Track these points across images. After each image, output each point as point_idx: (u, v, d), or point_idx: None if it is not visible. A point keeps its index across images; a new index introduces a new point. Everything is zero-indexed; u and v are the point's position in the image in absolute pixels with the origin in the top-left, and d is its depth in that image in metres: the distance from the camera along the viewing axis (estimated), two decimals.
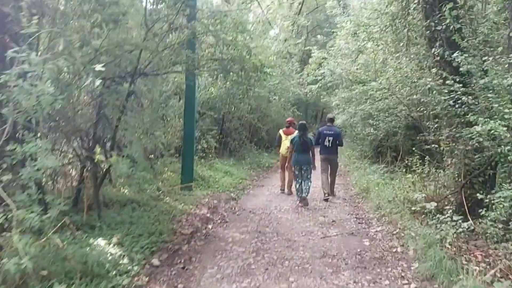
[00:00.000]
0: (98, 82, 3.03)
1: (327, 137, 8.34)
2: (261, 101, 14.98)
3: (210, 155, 11.32)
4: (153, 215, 5.79)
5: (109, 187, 7.00)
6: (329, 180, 8.45)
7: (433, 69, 5.15)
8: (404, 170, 9.92)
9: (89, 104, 6.36)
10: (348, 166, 13.57)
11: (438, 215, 5.05)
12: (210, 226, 6.05)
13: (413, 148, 7.56)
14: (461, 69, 4.76)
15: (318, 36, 25.73)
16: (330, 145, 8.35)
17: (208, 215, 6.64)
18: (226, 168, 10.61)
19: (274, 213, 6.89)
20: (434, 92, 5.13)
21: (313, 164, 7.85)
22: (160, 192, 7.41)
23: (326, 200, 7.95)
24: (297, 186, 7.74)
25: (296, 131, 8.45)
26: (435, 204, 4.90)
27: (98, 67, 3.11)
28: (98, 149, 4.02)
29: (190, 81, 7.98)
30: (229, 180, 9.60)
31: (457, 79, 4.87)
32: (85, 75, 3.39)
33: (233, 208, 7.30)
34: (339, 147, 8.67)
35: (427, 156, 6.89)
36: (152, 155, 8.17)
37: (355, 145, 16.19)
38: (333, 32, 16.42)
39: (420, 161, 6.77)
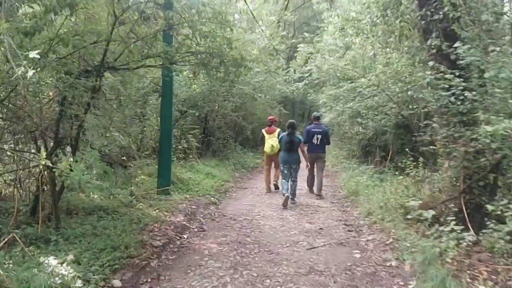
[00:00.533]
0: (31, 72, 2.44)
1: (315, 135, 8.35)
2: (245, 98, 14.41)
3: (191, 156, 10.72)
4: (121, 225, 5.19)
5: (76, 193, 6.39)
6: (316, 179, 8.45)
7: (430, 62, 4.66)
8: (394, 171, 9.52)
9: (53, 100, 5.77)
10: (335, 166, 13.11)
11: (436, 224, 4.60)
12: (185, 236, 5.49)
13: (406, 149, 7.07)
14: (461, 62, 4.29)
15: (306, 34, 25.26)
16: (318, 143, 8.38)
17: (184, 222, 6.06)
18: (208, 170, 10.03)
19: (257, 220, 6.35)
20: (430, 88, 4.64)
21: (306, 163, 8.04)
22: (134, 197, 6.80)
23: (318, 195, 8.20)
24: (285, 185, 7.57)
25: (279, 129, 8.68)
26: (433, 212, 4.42)
27: (33, 54, 2.52)
28: (43, 152, 3.44)
29: (167, 77, 7.38)
30: (211, 182, 9.03)
31: (456, 73, 4.40)
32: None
33: (212, 214, 6.74)
34: (326, 146, 8.73)
35: (421, 158, 6.42)
36: (125, 157, 7.55)
37: (343, 144, 15.77)
38: (321, 27, 15.96)
39: (414, 163, 6.28)
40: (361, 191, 7.65)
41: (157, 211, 6.45)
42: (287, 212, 6.84)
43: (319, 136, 8.35)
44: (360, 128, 10.51)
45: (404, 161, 9.37)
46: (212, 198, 7.79)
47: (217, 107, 13.18)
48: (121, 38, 5.45)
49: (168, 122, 7.75)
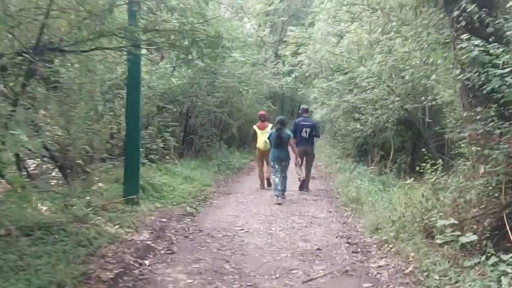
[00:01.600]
0: None
1: (304, 128, 8.30)
2: (231, 93, 13.22)
3: (168, 157, 9.50)
4: (62, 250, 4.00)
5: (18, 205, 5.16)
6: (305, 172, 8.44)
7: (463, 36, 3.54)
8: (397, 172, 8.46)
9: None
10: (329, 166, 12.02)
11: (466, 245, 3.51)
12: (147, 262, 4.30)
13: (423, 150, 5.99)
14: (508, 33, 3.18)
15: (294, 28, 24.16)
16: (307, 137, 8.30)
17: (149, 242, 4.88)
18: (187, 172, 8.83)
19: (240, 237, 5.19)
20: (477, 66, 3.49)
21: (297, 159, 8.02)
22: (91, 209, 5.58)
23: (301, 187, 8.29)
24: (277, 180, 7.49)
25: (271, 125, 8.50)
26: (475, 237, 3.32)
27: None
28: None
29: (133, 62, 6.18)
30: (189, 188, 7.84)
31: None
32: None
33: (186, 229, 5.55)
34: (316, 140, 8.81)
35: (440, 159, 5.35)
36: (81, 161, 6.34)
37: (336, 142, 14.72)
38: (312, 12, 14.74)
39: (428, 165, 5.18)
40: (363, 197, 6.55)
41: (117, 226, 5.25)
42: (276, 225, 5.69)
43: (308, 130, 8.26)
44: (358, 124, 9.40)
45: (406, 161, 8.36)
46: (188, 208, 6.60)
47: (199, 103, 11.97)
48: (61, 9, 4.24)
49: (135, 118, 6.53)
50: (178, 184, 7.81)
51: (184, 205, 6.74)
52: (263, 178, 8.90)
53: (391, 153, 9.07)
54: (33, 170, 7.25)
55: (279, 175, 7.47)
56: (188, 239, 5.13)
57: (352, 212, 6.31)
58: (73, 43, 4.72)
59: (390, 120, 8.46)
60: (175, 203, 6.73)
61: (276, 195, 7.35)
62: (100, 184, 6.23)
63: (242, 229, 5.49)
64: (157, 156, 8.59)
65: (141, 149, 8.60)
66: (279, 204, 7.08)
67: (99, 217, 5.44)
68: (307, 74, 12.10)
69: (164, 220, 5.79)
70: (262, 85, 16.45)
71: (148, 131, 9.21)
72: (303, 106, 9.33)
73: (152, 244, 4.82)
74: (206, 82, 10.58)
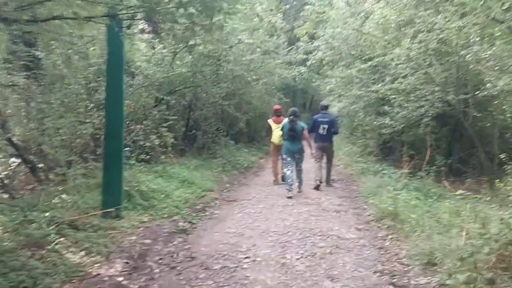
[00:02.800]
0: None
1: (321, 125, 8.02)
2: (238, 83, 11.89)
3: (163, 156, 8.23)
4: None
5: None
6: (325, 168, 8.22)
7: None
8: (435, 177, 7.08)
9: None
10: (350, 167, 10.62)
11: None
12: None
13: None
14: None
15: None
16: (325, 133, 8.02)
17: (121, 278, 3.61)
18: (185, 174, 7.55)
19: (244, 269, 3.87)
20: None
21: (311, 151, 7.74)
22: (54, 227, 4.34)
23: (317, 188, 7.75)
24: (288, 173, 7.29)
25: (286, 119, 7.77)
26: None
27: None
28: None
29: (114, 38, 4.90)
30: (186, 194, 6.56)
31: None
32: None
33: (174, 255, 4.25)
34: (335, 136, 8.49)
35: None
36: (43, 164, 5.11)
37: (355, 138, 13.29)
38: None
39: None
40: (401, 212, 5.18)
41: (83, 253, 4.00)
42: (292, 250, 4.37)
43: (325, 126, 7.97)
44: (388, 119, 7.97)
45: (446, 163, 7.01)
46: (181, 222, 5.31)
47: (204, 95, 10.65)
48: None
49: (117, 109, 5.25)
50: (173, 190, 6.54)
51: (177, 217, 5.46)
52: (277, 173, 8.60)
53: (428, 153, 7.65)
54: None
55: (290, 168, 7.33)
56: (174, 271, 3.84)
57: (389, 232, 4.94)
58: (15, 8, 3.43)
59: (429, 114, 7.03)
60: (166, 215, 5.46)
61: (287, 189, 7.18)
62: (64, 195, 4.92)
63: (247, 257, 4.17)
64: (148, 156, 7.29)
65: (131, 148, 7.38)
66: (290, 197, 6.97)
67: (63, 239, 4.21)
68: (324, 61, 10.68)
69: (148, 240, 4.52)
70: (273, 75, 15.07)
71: (142, 126, 7.97)
72: (322, 102, 8.86)
73: (124, 282, 3.54)
74: (209, 70, 9.21)
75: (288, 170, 7.31)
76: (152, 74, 8.86)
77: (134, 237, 4.53)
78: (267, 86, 14.96)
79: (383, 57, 7.93)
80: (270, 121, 8.72)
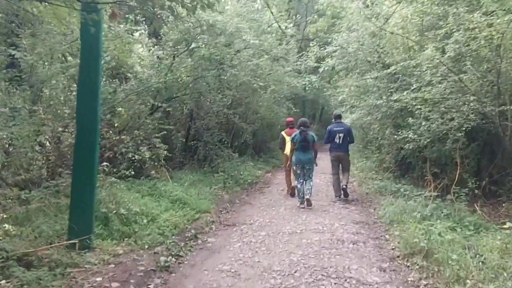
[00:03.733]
0: None
1: (337, 134, 8.00)
2: (244, 91, 11.01)
3: (154, 171, 7.31)
4: None
5: None
6: (343, 179, 8.03)
7: None
8: (470, 201, 6.07)
9: None
10: (364, 184, 9.60)
11: None
12: None
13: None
14: None
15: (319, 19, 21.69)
16: (341, 142, 7.99)
17: None
18: (177, 193, 6.61)
19: None
20: None
21: (315, 162, 7.57)
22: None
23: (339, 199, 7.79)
24: (299, 186, 7.35)
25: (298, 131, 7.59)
26: None
27: None
28: None
29: (88, 27, 4.02)
30: (175, 217, 5.62)
31: None
32: None
33: None
34: (350, 145, 8.43)
35: None
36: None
37: (369, 152, 12.27)
38: None
39: None
40: (435, 248, 4.17)
41: None
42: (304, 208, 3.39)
43: (341, 135, 7.97)
44: (410, 132, 6.96)
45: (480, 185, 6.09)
46: (164, 256, 4.35)
47: (207, 103, 9.77)
48: None
49: (90, 116, 4.35)
50: (161, 212, 5.61)
51: (160, 248, 4.52)
52: (290, 184, 8.49)
53: (457, 172, 6.62)
54: None
55: (302, 181, 7.35)
56: None
57: (422, 274, 3.92)
58: None
59: (463, 128, 6.01)
60: (147, 246, 4.52)
61: (299, 201, 7.35)
62: (7, 226, 4.01)
63: None
64: (133, 171, 6.37)
65: (119, 160, 6.50)
66: (303, 208, 7.13)
67: (4, 281, 3.29)
68: (337, 69, 9.76)
69: (117, 284, 3.57)
70: (282, 84, 14.19)
71: (132, 135, 7.11)
72: (336, 111, 8.93)
73: None
74: (211, 76, 8.32)
75: (299, 183, 7.33)
76: (148, 79, 8.02)
77: (99, 279, 3.59)
78: (276, 95, 14.08)
79: (406, 62, 6.96)
80: (283, 133, 8.77)
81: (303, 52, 13.42)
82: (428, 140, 6.73)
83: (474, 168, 7.87)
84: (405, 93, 6.52)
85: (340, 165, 8.06)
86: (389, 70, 7.99)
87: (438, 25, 6.98)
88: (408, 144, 7.06)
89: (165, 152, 7.34)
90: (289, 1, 18.86)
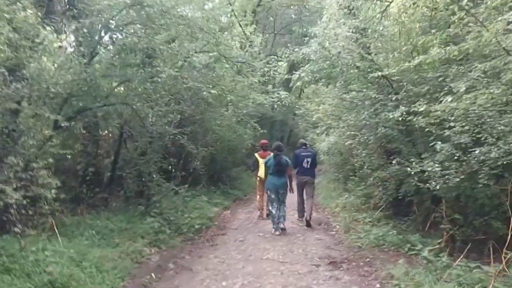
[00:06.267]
0: None
1: (305, 159, 8.01)
2: (196, 105, 8.51)
3: (40, 222, 4.59)
4: None
5: None
6: (306, 205, 7.99)
7: None
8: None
9: None
10: (353, 231, 7.13)
11: None
12: None
13: None
14: None
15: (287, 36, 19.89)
16: (308, 167, 8.02)
17: None
18: (60, 264, 3.90)
19: None
20: None
21: (290, 187, 7.58)
22: None
23: (308, 225, 7.71)
24: (273, 212, 7.20)
25: (272, 154, 7.62)
26: None
27: None
28: None
29: None
30: None
31: None
32: None
33: None
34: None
35: None
36: None
37: (353, 185, 9.94)
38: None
39: None
40: None
41: None
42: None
43: (309, 160, 8.00)
44: (435, 164, 4.60)
45: None
46: None
47: (138, 117, 7.13)
48: None
49: None
50: None
51: None
52: (262, 208, 8.55)
53: (511, 226, 4.28)
54: None
55: (276, 206, 7.22)
56: None
57: None
58: None
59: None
60: None
61: (273, 227, 7.20)
62: None
63: None
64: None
65: None
66: (278, 234, 6.98)
67: None
68: (316, 76, 7.46)
69: None
70: (246, 99, 11.81)
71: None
72: (301, 140, 9.15)
73: None
74: (136, 76, 5.72)
75: (273, 209, 7.21)
76: (44, 79, 5.34)
77: None
78: (239, 111, 11.67)
79: (423, 57, 4.71)
80: (257, 155, 8.74)
81: (272, 56, 11.10)
82: (462, 176, 4.40)
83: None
84: (447, 99, 4.13)
85: (305, 189, 8.02)
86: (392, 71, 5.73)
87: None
88: (431, 182, 4.68)
89: (54, 191, 4.62)
90: (254, 14, 16.77)
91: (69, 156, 7.09)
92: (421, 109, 4.35)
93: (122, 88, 6.70)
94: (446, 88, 5.06)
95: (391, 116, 5.42)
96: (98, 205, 7.07)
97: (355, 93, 7.44)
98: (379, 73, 5.74)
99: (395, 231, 6.50)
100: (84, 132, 7.79)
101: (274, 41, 23.22)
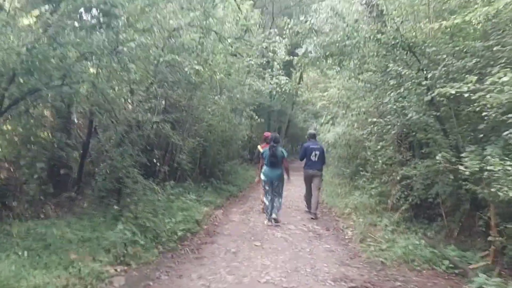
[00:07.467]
0: None
1: (313, 151, 7.90)
2: (183, 88, 7.22)
3: None
4: None
5: None
6: (313, 198, 7.88)
7: None
8: None
9: None
10: (372, 239, 5.89)
11: None
12: None
13: None
14: None
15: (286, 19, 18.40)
16: (316, 160, 7.89)
17: None
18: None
19: None
20: None
21: (288, 177, 7.40)
22: None
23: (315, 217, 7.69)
24: (267, 203, 7.17)
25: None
26: None
27: None
28: None
29: None
30: None
31: None
32: None
33: None
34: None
35: None
36: None
37: (365, 183, 8.69)
38: None
39: None
40: None
41: None
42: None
43: (317, 153, 7.88)
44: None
45: None
46: None
47: (107, 103, 5.82)
48: None
49: None
50: None
51: None
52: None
53: None
54: None
55: (269, 198, 7.17)
56: None
57: None
58: None
59: None
60: None
61: (267, 218, 7.13)
62: None
63: None
64: None
65: None
66: (270, 225, 6.89)
67: None
68: (326, 51, 6.16)
69: None
70: (242, 85, 10.51)
71: None
72: (310, 131, 8.88)
73: None
74: (98, 46, 4.40)
75: (267, 200, 7.15)
76: None
77: None
78: (235, 100, 10.39)
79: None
80: (259, 147, 8.38)
81: (271, 30, 9.77)
82: None
83: None
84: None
85: (312, 181, 7.90)
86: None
87: None
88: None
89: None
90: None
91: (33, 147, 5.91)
92: (472, 87, 3.08)
93: (89, 64, 5.44)
94: (502, 61, 3.84)
95: (428, 98, 4.14)
96: (63, 206, 5.93)
97: (372, 73, 6.16)
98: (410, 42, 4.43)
99: (423, 241, 5.31)
100: (52, 119, 6.61)
101: (272, 25, 21.84)
